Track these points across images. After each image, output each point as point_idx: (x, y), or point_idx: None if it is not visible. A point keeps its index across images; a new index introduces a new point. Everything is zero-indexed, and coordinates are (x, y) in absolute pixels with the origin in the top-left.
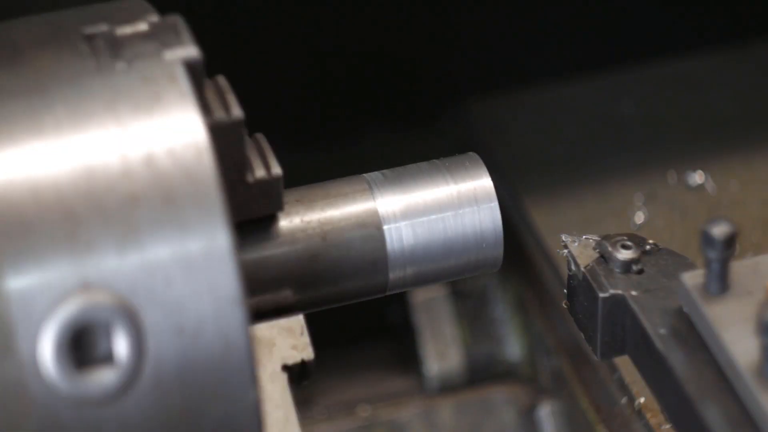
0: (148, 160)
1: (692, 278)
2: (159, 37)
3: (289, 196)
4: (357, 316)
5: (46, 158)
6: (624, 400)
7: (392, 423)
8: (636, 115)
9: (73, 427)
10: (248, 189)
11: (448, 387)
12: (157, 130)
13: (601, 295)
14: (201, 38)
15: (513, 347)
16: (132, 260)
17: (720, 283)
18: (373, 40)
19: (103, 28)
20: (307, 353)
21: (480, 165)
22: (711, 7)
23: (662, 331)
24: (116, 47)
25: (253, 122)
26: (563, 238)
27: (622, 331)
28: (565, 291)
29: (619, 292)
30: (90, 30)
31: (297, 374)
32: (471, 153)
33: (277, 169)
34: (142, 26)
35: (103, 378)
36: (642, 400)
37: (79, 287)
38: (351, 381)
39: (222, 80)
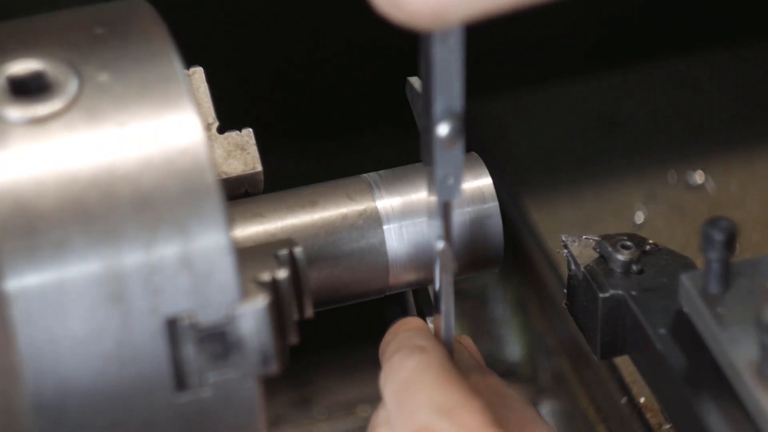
0: None
1: (692, 278)
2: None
3: None
4: (357, 316)
5: None
6: (624, 400)
7: None
8: (636, 115)
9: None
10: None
11: None
12: None
13: (601, 295)
14: (203, 39)
15: (513, 347)
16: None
17: (720, 283)
18: (374, 41)
19: (185, 319)
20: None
21: (480, 164)
22: (710, 8)
23: (662, 331)
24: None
25: (254, 123)
26: (563, 238)
27: (622, 331)
28: (565, 291)
29: (619, 292)
30: (170, 312)
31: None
32: (471, 153)
33: (310, 312)
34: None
35: None
36: (642, 400)
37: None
38: (351, 381)
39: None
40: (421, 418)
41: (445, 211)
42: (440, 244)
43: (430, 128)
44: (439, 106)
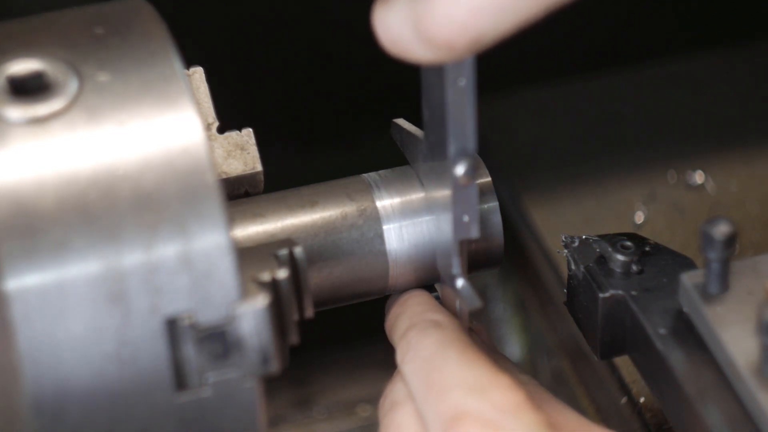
0: None
1: (692, 278)
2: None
3: None
4: (357, 316)
5: None
6: (624, 400)
7: None
8: (636, 115)
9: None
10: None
11: None
12: None
13: (601, 295)
14: (203, 39)
15: (513, 347)
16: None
17: (720, 283)
18: (374, 40)
19: (185, 319)
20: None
21: (480, 164)
22: (710, 8)
23: (662, 331)
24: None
25: (254, 123)
26: (563, 238)
27: (622, 331)
28: (565, 291)
29: (619, 292)
30: (170, 312)
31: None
32: None
33: (310, 312)
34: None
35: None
36: (642, 400)
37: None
38: (351, 381)
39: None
40: (453, 399)
41: (461, 248)
42: (460, 282)
43: (447, 168)
44: (453, 147)
